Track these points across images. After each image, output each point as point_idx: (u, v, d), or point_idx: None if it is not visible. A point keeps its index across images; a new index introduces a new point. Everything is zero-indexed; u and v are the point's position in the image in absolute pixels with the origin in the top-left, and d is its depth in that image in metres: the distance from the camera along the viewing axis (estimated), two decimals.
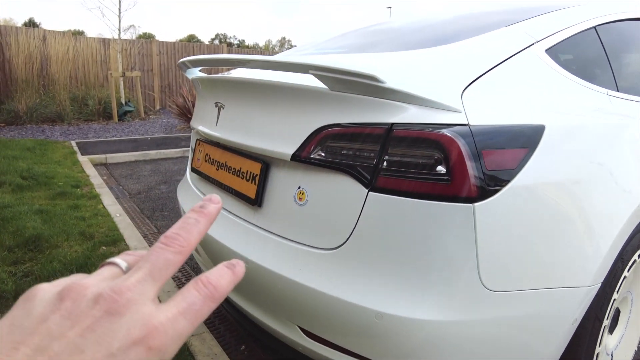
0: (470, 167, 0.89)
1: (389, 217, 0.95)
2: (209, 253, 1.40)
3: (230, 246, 1.25)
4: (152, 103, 10.29)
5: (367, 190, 0.97)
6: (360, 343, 1.02)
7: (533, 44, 1.26)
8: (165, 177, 4.32)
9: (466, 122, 0.92)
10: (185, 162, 4.74)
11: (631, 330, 1.45)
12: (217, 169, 1.43)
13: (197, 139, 1.66)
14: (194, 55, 3.57)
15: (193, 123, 1.68)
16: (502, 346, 1.00)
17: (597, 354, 1.19)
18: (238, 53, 13.76)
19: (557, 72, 1.26)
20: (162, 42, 10.69)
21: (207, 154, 1.53)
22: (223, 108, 1.37)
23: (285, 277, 1.08)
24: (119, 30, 8.35)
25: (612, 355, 1.36)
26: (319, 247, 1.05)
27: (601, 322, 1.15)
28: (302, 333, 1.13)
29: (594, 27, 1.52)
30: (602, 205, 1.09)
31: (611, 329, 1.37)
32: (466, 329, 0.95)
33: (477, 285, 0.93)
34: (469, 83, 1.04)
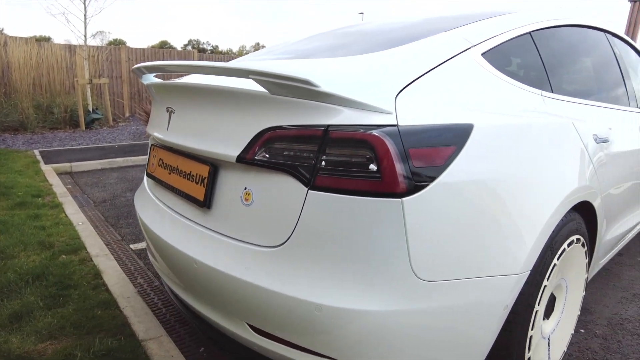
0: (398, 165, 0.95)
1: (327, 214, 1.00)
2: (164, 257, 1.41)
3: (181, 249, 1.27)
4: (121, 110, 10.11)
5: (306, 189, 1.01)
6: (306, 337, 1.06)
7: (469, 48, 1.33)
8: (132, 185, 4.27)
9: (395, 123, 0.98)
10: None
11: (567, 316, 1.54)
12: (170, 173, 1.45)
13: (151, 145, 1.67)
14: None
15: (148, 129, 1.69)
16: (439, 333, 1.06)
17: (531, 337, 1.26)
18: (211, 59, 13.68)
19: (492, 75, 1.34)
20: (132, 48, 10.53)
21: (160, 159, 1.54)
22: (173, 113, 1.40)
23: (232, 276, 1.11)
24: (85, 36, 8.18)
25: (548, 339, 1.44)
26: (264, 245, 1.09)
27: (532, 307, 1.22)
28: (251, 330, 1.16)
29: (529, 33, 1.61)
30: (529, 198, 1.16)
31: (548, 315, 1.45)
32: (403, 319, 1.01)
33: (410, 276, 0.99)
34: (404, 86, 1.10)
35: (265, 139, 1.08)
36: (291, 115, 1.05)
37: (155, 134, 1.51)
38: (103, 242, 2.66)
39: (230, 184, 1.19)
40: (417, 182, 0.97)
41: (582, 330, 1.89)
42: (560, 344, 1.54)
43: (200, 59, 12.33)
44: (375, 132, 0.95)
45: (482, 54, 1.35)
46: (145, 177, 1.78)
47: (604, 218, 1.67)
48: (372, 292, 0.98)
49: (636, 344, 1.81)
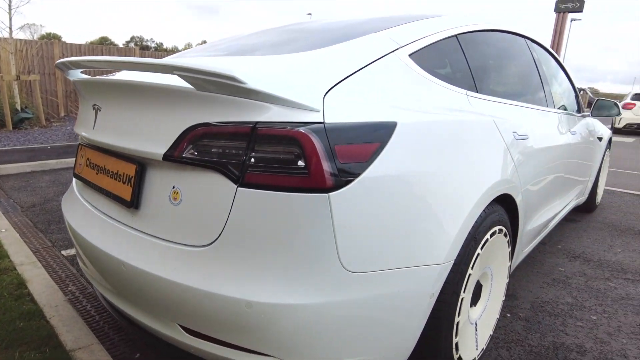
0: (325, 161, 0.97)
1: (257, 211, 1.00)
2: (92, 261, 1.35)
3: (108, 251, 1.22)
4: (55, 110, 9.47)
5: (236, 186, 1.01)
6: (238, 334, 1.05)
7: (397, 49, 1.39)
8: (66, 188, 4.01)
9: (322, 121, 1.00)
10: None
11: (493, 302, 1.65)
12: (97, 173, 1.39)
13: (79, 144, 1.59)
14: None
15: (76, 127, 1.61)
16: (369, 323, 1.10)
17: (457, 323, 1.34)
18: (154, 56, 13.16)
19: (419, 75, 1.40)
20: (67, 43, 9.89)
21: (88, 159, 1.47)
22: (100, 110, 1.34)
23: (161, 277, 1.08)
24: (10, 28, 7.58)
25: (476, 325, 1.54)
26: (193, 245, 1.07)
27: (458, 295, 1.30)
28: (184, 332, 1.14)
29: (456, 36, 1.70)
30: (451, 192, 1.23)
31: (475, 302, 1.55)
32: (333, 311, 1.03)
33: (339, 268, 1.01)
34: (333, 85, 1.13)
35: (193, 136, 1.06)
36: (219, 112, 1.04)
37: (82, 133, 1.44)
38: (30, 250, 2.48)
39: (158, 183, 1.16)
40: (343, 178, 0.99)
41: (509, 315, 2.03)
42: (487, 329, 1.64)
43: (142, 57, 11.82)
44: (302, 129, 0.97)
45: (410, 55, 1.41)
46: (73, 178, 1.69)
47: (524, 209, 1.80)
48: (302, 286, 1.00)
49: (553, 324, 1.97)
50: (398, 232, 1.10)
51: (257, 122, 1.00)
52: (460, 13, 1.88)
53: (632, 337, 1.91)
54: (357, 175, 1.01)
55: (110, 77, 1.44)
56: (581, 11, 21.43)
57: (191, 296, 1.04)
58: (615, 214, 3.95)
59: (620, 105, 3.33)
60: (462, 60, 1.70)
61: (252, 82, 0.98)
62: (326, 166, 0.97)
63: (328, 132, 0.99)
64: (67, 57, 9.67)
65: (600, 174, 3.80)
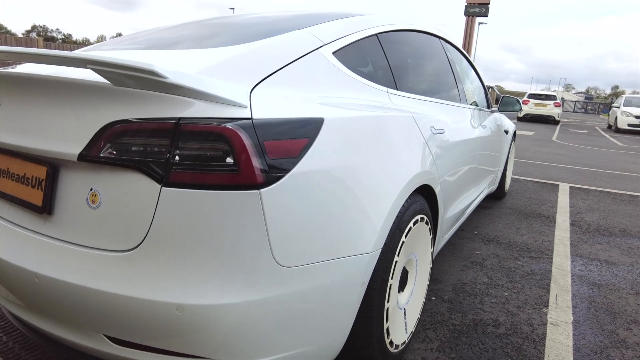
0: (254, 157, 0.97)
1: (185, 211, 0.97)
2: None
3: (17, 263, 1.10)
4: None
5: (160, 186, 0.97)
6: (170, 339, 1.01)
7: (321, 46, 1.42)
8: None
9: (250, 116, 1.00)
10: None
11: (419, 286, 1.76)
12: None
13: None
14: None
15: None
16: (306, 317, 1.12)
17: (387, 308, 1.41)
18: (62, 49, 12.04)
19: (342, 72, 1.45)
20: None
21: None
22: None
23: (81, 287, 1.01)
24: None
25: (404, 309, 1.63)
26: (115, 250, 1.01)
27: (387, 281, 1.37)
28: (110, 342, 1.07)
29: (376, 35, 1.78)
30: (375, 184, 1.29)
31: (402, 287, 1.64)
32: (268, 307, 1.03)
33: (272, 264, 1.02)
34: (259, 81, 1.13)
35: (111, 134, 1.00)
36: (138, 108, 0.99)
37: None
38: None
39: (74, 186, 1.08)
40: (273, 174, 1.00)
41: (434, 298, 2.17)
42: (415, 312, 1.74)
43: (48, 49, 10.76)
44: (229, 125, 0.96)
45: (333, 53, 1.45)
46: None
47: (443, 199, 1.94)
48: (235, 284, 0.98)
49: (472, 303, 2.15)
50: (327, 225, 1.13)
51: (180, 118, 0.97)
52: (374, 12, 1.96)
53: (536, 307, 2.14)
54: (287, 171, 1.02)
55: (9, 69, 1.30)
56: (486, 16, 23.36)
57: (117, 304, 0.98)
58: (521, 200, 4.39)
59: (521, 101, 3.71)
60: (382, 59, 1.78)
61: (173, 76, 0.94)
62: (256, 162, 0.97)
63: (256, 127, 0.99)
64: None
65: (508, 164, 4.20)
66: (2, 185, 1.22)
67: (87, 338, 1.10)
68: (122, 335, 1.04)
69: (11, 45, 10.00)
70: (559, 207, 4.20)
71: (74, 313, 1.06)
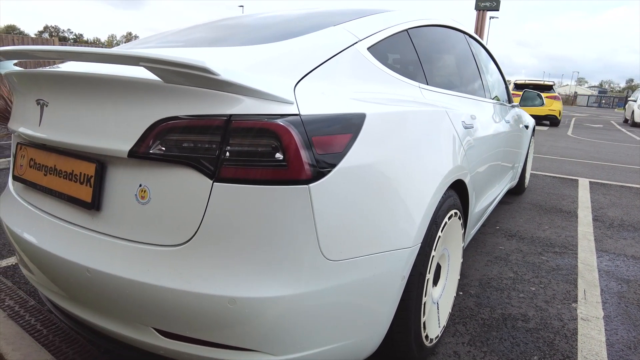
0: (304, 153, 0.98)
1: (235, 205, 0.99)
2: (44, 269, 1.24)
3: (68, 257, 1.13)
4: None
5: (211, 182, 0.99)
6: (219, 332, 1.03)
7: (357, 42, 1.42)
8: None
9: (297, 112, 1.01)
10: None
11: (450, 281, 1.76)
12: (45, 175, 1.28)
13: (17, 143, 1.45)
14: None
15: (11, 125, 1.46)
16: (349, 311, 1.13)
17: (424, 303, 1.42)
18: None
19: (377, 67, 1.45)
20: None
21: (31, 159, 1.35)
22: (47, 106, 1.23)
23: (133, 281, 1.03)
24: None
25: (437, 304, 1.63)
26: (166, 244, 1.03)
27: (424, 276, 1.37)
28: (158, 334, 1.10)
29: (407, 30, 1.78)
30: (415, 179, 1.30)
31: (435, 282, 1.64)
32: (314, 300, 1.05)
33: (320, 257, 1.03)
34: (301, 77, 1.14)
35: (161, 130, 1.02)
36: (188, 105, 1.01)
37: (24, 131, 1.31)
38: None
39: (122, 182, 1.10)
40: (321, 169, 1.01)
41: (461, 293, 2.17)
42: (447, 307, 1.75)
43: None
44: (280, 122, 0.97)
45: (368, 48, 1.45)
46: (10, 180, 1.54)
47: (473, 193, 1.93)
48: (284, 277, 1.00)
49: (500, 297, 2.14)
50: (371, 220, 1.14)
51: (231, 115, 0.98)
52: (403, 9, 1.96)
53: (565, 302, 2.13)
54: (334, 165, 1.03)
55: (55, 69, 1.32)
56: (498, 9, 23.08)
57: (169, 297, 1.00)
58: (540, 195, 4.35)
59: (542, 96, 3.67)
60: (413, 54, 1.77)
61: (225, 74, 0.95)
62: (305, 158, 0.98)
63: (305, 123, 1.00)
64: None
65: (528, 159, 4.16)
66: (50, 182, 1.25)
67: (136, 331, 1.13)
68: (171, 328, 1.07)
69: (29, 45, 10.18)
70: (579, 202, 4.15)
71: (125, 306, 1.09)
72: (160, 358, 1.17)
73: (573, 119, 17.89)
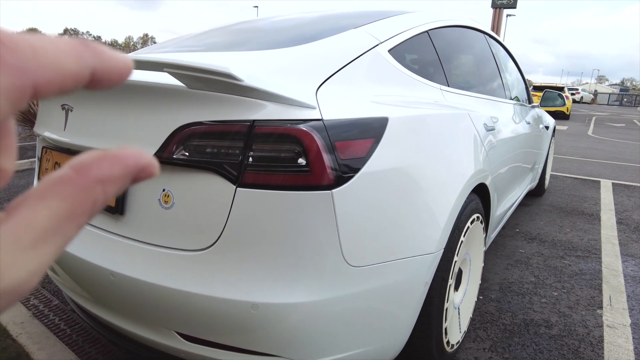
0: (326, 158, 0.97)
1: (258, 211, 0.98)
2: (69, 272, 1.26)
3: (93, 261, 1.15)
4: None
5: (235, 187, 0.99)
6: (241, 337, 1.03)
7: (377, 45, 1.41)
8: (9, 194, 3.71)
9: (320, 117, 1.00)
10: (34, 174, 4.12)
11: (471, 286, 1.73)
12: None
13: (43, 147, 1.48)
14: None
15: (37, 129, 1.49)
16: (371, 317, 1.12)
17: (446, 308, 1.39)
18: None
19: (399, 70, 1.43)
20: None
21: (56, 162, 1.37)
22: (71, 110, 1.25)
23: (156, 285, 1.04)
24: None
25: (458, 309, 1.61)
26: (189, 249, 1.04)
27: (447, 281, 1.35)
28: (181, 338, 1.10)
29: (427, 32, 1.75)
30: (438, 183, 1.28)
31: (457, 287, 1.62)
32: (338, 305, 1.04)
33: (342, 263, 1.02)
34: (322, 81, 1.13)
35: (184, 136, 1.02)
36: (211, 111, 1.01)
37: (49, 135, 1.34)
38: None
39: (146, 187, 1.11)
40: (344, 174, 1.00)
41: (481, 297, 2.14)
42: (467, 312, 1.72)
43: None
44: (303, 127, 0.96)
45: (389, 51, 1.44)
46: (36, 183, 1.56)
47: (495, 196, 1.90)
48: (306, 283, 0.99)
49: (521, 302, 2.10)
50: (394, 225, 1.12)
51: (254, 121, 0.98)
52: (421, 10, 1.93)
53: (589, 308, 2.08)
54: (357, 170, 1.02)
55: None
56: (515, 7, 22.67)
57: (192, 302, 1.01)
58: (560, 197, 4.26)
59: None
60: (433, 56, 1.75)
61: (248, 79, 0.95)
62: (328, 163, 0.97)
63: (328, 128, 0.99)
64: None
65: (548, 160, 4.08)
66: None
67: (158, 334, 1.13)
68: (194, 332, 1.07)
69: None
70: (602, 204, 4.05)
71: (148, 310, 1.10)
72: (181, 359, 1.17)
73: (593, 118, 17.50)
